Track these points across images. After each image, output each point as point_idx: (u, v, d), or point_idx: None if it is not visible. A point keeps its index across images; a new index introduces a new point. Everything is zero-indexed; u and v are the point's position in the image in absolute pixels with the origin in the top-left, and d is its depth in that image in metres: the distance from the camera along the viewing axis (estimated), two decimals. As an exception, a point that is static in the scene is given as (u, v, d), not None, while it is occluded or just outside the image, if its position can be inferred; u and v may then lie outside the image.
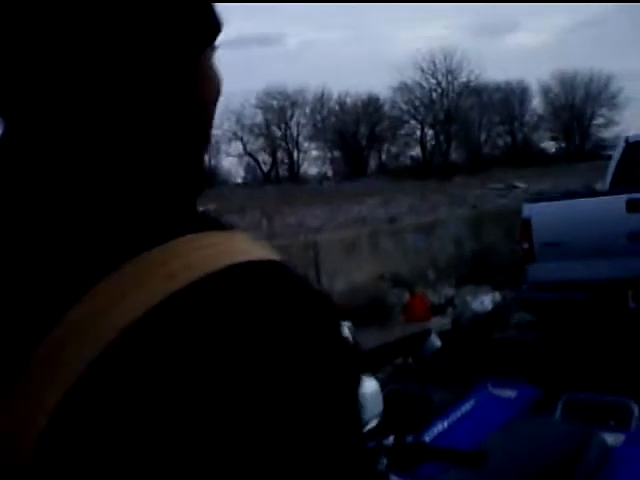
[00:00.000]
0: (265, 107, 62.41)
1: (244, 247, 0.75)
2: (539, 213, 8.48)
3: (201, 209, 0.81)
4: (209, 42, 0.81)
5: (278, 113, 62.85)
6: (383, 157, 62.71)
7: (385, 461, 2.32)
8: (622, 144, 9.24)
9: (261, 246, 0.76)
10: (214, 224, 0.78)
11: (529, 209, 8.62)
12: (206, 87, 0.83)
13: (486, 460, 2.37)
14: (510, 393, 3.44)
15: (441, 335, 9.08)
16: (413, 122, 62.44)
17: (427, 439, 2.78)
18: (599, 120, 62.72)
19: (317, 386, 0.70)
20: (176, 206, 0.79)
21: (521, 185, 27.65)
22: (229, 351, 0.68)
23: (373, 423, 4.42)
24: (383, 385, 5.48)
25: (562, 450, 2.77)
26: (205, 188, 0.88)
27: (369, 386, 4.62)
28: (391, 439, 2.36)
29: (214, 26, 0.82)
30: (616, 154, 9.23)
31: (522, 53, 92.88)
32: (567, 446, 2.78)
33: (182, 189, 0.83)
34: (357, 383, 0.74)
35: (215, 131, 0.93)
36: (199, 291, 0.69)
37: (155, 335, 0.68)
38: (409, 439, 2.37)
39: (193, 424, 0.66)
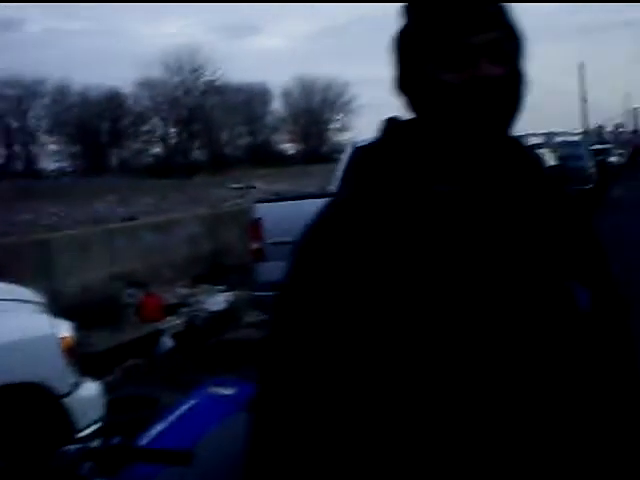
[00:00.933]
0: (1, 96, 59.46)
1: None
2: (269, 213, 8.70)
3: None
4: None
5: (15, 103, 60.10)
6: (125, 154, 61.63)
7: (90, 465, 2.31)
8: (350, 149, 9.65)
9: None
10: None
11: (259, 209, 8.85)
12: None
13: (192, 458, 2.42)
14: (230, 391, 3.53)
15: (175, 335, 9.11)
16: (156, 119, 61.93)
17: (145, 441, 2.80)
18: (335, 125, 65.27)
19: None
20: None
21: (258, 185, 28.25)
22: None
23: (92, 428, 4.37)
24: (113, 388, 5.43)
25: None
26: None
27: (89, 390, 4.56)
28: (96, 442, 2.35)
29: None
30: (345, 158, 9.61)
31: (266, 56, 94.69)
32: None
33: None
34: None
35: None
36: None
37: None
38: (115, 441, 2.36)
39: None
